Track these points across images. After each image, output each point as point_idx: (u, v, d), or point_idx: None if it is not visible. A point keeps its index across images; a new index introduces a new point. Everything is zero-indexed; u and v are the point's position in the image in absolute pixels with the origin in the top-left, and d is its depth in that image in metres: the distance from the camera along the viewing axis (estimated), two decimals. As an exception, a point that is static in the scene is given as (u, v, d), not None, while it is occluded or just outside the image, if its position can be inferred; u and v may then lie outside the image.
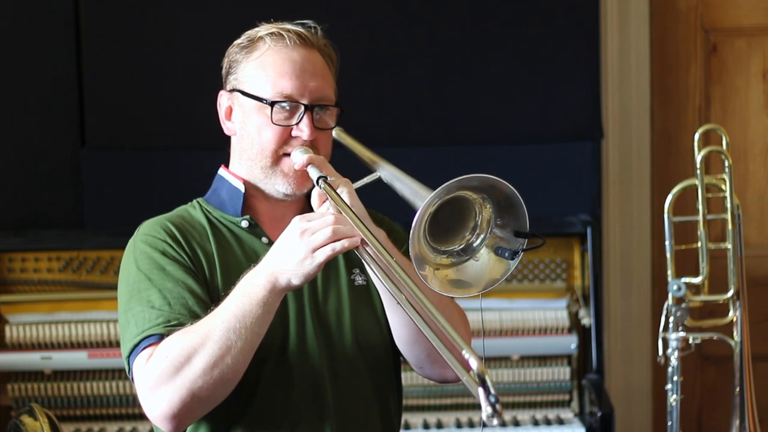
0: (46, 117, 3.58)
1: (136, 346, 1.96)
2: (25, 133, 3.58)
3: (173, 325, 1.95)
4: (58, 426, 2.48)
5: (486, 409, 1.51)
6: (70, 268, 3.38)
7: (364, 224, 1.85)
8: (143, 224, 2.14)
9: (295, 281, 1.87)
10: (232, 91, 2.12)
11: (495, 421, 1.50)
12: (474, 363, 1.52)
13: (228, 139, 2.18)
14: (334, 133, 2.18)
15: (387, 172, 2.04)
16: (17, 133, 3.58)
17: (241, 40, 2.14)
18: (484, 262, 1.84)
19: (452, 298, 2.07)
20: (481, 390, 1.52)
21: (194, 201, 2.20)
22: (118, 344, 3.31)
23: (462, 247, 1.86)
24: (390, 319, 2.04)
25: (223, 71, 2.16)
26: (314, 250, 1.84)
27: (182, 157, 3.53)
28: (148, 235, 2.08)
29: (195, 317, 1.96)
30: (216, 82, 2.20)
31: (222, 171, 2.19)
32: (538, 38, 3.62)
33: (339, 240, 1.84)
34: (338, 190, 1.96)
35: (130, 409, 3.32)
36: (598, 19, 3.67)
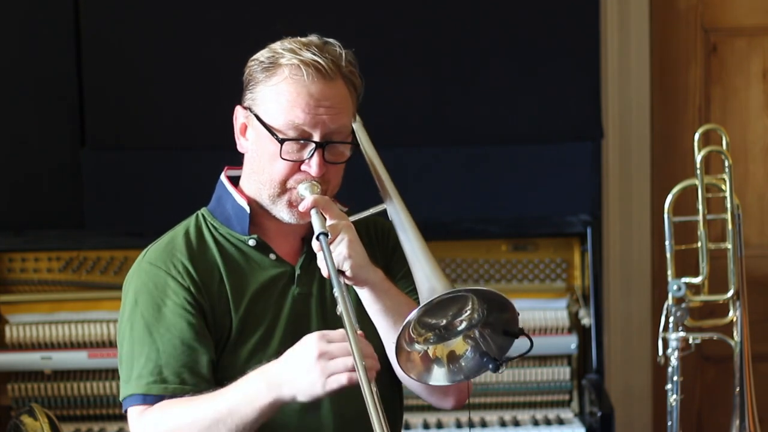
0: (46, 117, 3.58)
1: (125, 398, 2.01)
2: (25, 133, 3.58)
3: (158, 378, 1.97)
4: (58, 426, 2.47)
5: None
6: (70, 268, 3.38)
7: (341, 298, 1.83)
8: (150, 249, 2.10)
9: (301, 398, 1.87)
10: (247, 109, 2.08)
11: None
12: None
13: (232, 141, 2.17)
14: (354, 126, 2.14)
15: (394, 212, 2.00)
16: (17, 133, 3.58)
17: (263, 57, 2.06)
18: (459, 347, 1.85)
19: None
20: None
21: (199, 214, 2.16)
22: (117, 344, 3.33)
23: (444, 324, 1.86)
24: (389, 356, 2.02)
25: (243, 79, 2.10)
26: (329, 376, 1.82)
27: (182, 157, 3.53)
28: (152, 266, 2.06)
29: (183, 366, 1.97)
30: (216, 82, 2.19)
31: (226, 181, 2.15)
32: (538, 38, 3.62)
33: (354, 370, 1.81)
34: (338, 238, 1.94)
35: (130, 409, 3.31)
36: (598, 19, 3.67)
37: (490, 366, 1.82)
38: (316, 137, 2.02)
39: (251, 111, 2.06)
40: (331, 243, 1.93)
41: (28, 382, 3.32)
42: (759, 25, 3.90)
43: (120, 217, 3.54)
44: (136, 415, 1.98)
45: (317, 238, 1.93)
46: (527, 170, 3.60)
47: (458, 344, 1.85)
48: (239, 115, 2.10)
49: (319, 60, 2.02)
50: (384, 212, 2.05)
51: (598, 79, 3.67)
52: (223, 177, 2.16)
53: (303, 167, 2.03)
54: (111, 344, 3.31)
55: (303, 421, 2.04)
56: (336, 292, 1.84)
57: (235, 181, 2.16)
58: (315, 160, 2.01)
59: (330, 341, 1.84)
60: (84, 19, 3.56)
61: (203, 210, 2.16)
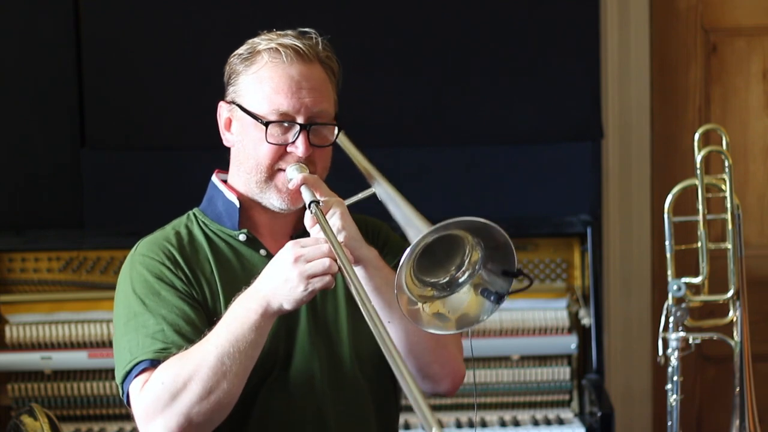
0: (46, 117, 3.58)
1: (128, 372, 1.98)
2: (25, 133, 3.58)
3: (166, 350, 1.96)
4: (58, 426, 2.48)
5: None
6: (70, 268, 3.39)
7: (347, 263, 1.83)
8: (141, 243, 2.13)
9: (287, 306, 1.88)
10: (231, 102, 2.11)
11: None
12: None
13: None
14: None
15: (382, 190, 2.02)
16: (17, 133, 3.58)
17: (242, 50, 2.11)
18: (468, 300, 1.84)
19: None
20: None
21: (190, 213, 2.18)
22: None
23: (446, 280, 1.86)
24: None
25: (224, 79, 2.15)
26: (307, 278, 1.84)
27: (182, 157, 3.53)
28: (145, 256, 2.07)
29: (189, 343, 1.96)
30: (216, 82, 2.20)
31: (216, 180, 2.18)
32: (538, 38, 3.62)
33: (332, 271, 1.84)
34: (330, 211, 1.95)
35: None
36: (598, 19, 3.67)
37: (492, 298, 1.81)
38: (300, 120, 2.04)
39: (234, 103, 2.09)
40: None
41: (28, 382, 3.32)
42: (759, 25, 3.90)
43: (120, 217, 3.54)
44: (137, 389, 1.95)
45: (308, 208, 1.95)
46: (527, 170, 3.60)
47: (471, 302, 1.84)
48: (223, 111, 2.14)
49: (297, 43, 2.06)
50: (373, 196, 2.06)
51: (598, 79, 3.67)
52: (214, 177, 2.19)
53: (289, 149, 2.05)
54: (111, 344, 3.30)
55: (303, 401, 2.05)
56: (336, 252, 1.83)
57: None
58: (300, 140, 2.04)
59: (304, 245, 1.87)
60: (84, 19, 3.56)
61: (195, 209, 2.19)
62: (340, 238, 1.93)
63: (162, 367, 1.93)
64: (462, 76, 3.62)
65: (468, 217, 1.75)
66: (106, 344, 3.31)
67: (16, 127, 3.58)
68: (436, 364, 2.04)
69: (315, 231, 1.94)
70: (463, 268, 1.85)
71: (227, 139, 2.14)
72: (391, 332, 1.97)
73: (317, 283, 1.85)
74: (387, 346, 1.65)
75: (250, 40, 2.11)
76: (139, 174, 3.57)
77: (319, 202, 1.95)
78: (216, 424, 1.94)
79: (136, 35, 3.58)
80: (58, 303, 3.36)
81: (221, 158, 2.22)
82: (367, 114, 3.54)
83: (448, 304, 1.83)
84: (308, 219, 1.96)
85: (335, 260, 1.85)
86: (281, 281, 1.86)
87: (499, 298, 1.82)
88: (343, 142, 2.17)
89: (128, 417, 3.33)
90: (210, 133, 2.20)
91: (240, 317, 1.90)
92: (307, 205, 1.96)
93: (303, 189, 2.00)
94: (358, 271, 1.97)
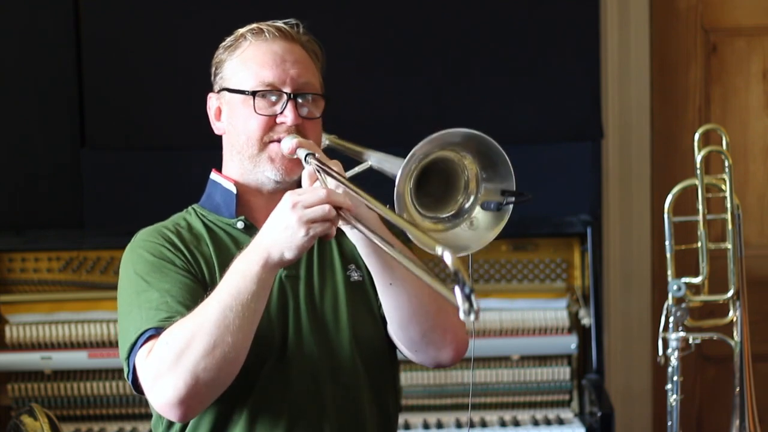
0: (46, 117, 3.58)
1: (134, 344, 1.97)
2: (25, 133, 3.58)
3: (170, 318, 1.95)
4: (58, 426, 2.48)
5: (463, 306, 1.48)
6: (70, 268, 3.39)
7: (356, 189, 1.83)
8: (140, 232, 2.14)
9: (288, 255, 1.86)
10: (219, 91, 2.15)
11: (472, 317, 1.47)
12: (448, 257, 1.50)
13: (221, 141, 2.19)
14: (327, 141, 2.19)
15: (375, 159, 2.04)
16: (17, 133, 3.58)
17: (226, 41, 2.17)
18: (476, 224, 1.85)
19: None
20: (456, 289, 1.49)
21: (189, 208, 2.20)
22: (118, 344, 3.33)
23: (454, 212, 1.86)
24: (384, 304, 2.03)
25: (212, 73, 2.19)
26: (307, 223, 1.83)
27: (182, 157, 3.53)
28: (145, 241, 2.09)
29: (188, 310, 1.95)
30: (215, 82, 2.21)
31: (214, 175, 2.20)
32: (538, 38, 3.62)
33: (331, 216, 1.83)
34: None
35: (130, 409, 3.32)
36: (598, 19, 3.67)
37: (492, 206, 1.82)
38: (287, 90, 2.08)
39: (222, 89, 2.14)
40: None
41: (28, 382, 3.32)
42: (759, 25, 3.90)
43: (120, 217, 3.54)
44: (144, 357, 1.94)
45: (305, 161, 1.95)
46: (527, 170, 3.58)
47: (482, 222, 1.83)
48: (212, 102, 2.17)
49: (278, 24, 2.13)
50: (369, 169, 2.06)
51: (598, 79, 3.67)
52: (212, 173, 2.21)
53: (278, 119, 2.08)
54: (111, 344, 3.31)
55: (301, 387, 2.04)
56: (345, 186, 1.83)
57: None
58: (289, 109, 2.07)
59: (301, 194, 1.85)
60: (84, 19, 3.56)
61: (194, 205, 2.21)
62: (339, 191, 1.91)
63: (166, 332, 1.93)
64: (462, 76, 3.62)
65: (450, 130, 1.75)
66: (106, 344, 3.32)
67: (16, 127, 3.58)
68: (439, 329, 2.03)
69: (319, 182, 1.93)
70: (468, 191, 1.85)
71: (217, 127, 2.17)
72: (392, 296, 2.00)
73: (318, 228, 1.82)
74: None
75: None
76: (139, 174, 3.57)
77: (315, 155, 1.96)
78: (225, 383, 1.93)
79: (136, 35, 3.58)
80: (58, 303, 3.36)
81: (220, 158, 2.22)
82: (367, 114, 3.54)
83: (457, 234, 1.84)
84: (306, 176, 1.97)
85: (334, 207, 1.83)
86: (281, 229, 1.85)
87: (498, 206, 1.81)
88: (335, 141, 2.19)
89: (128, 417, 3.33)
90: (210, 134, 2.21)
91: (241, 271, 1.89)
92: (303, 159, 1.97)
93: (299, 150, 2.01)
94: (357, 231, 1.94)
